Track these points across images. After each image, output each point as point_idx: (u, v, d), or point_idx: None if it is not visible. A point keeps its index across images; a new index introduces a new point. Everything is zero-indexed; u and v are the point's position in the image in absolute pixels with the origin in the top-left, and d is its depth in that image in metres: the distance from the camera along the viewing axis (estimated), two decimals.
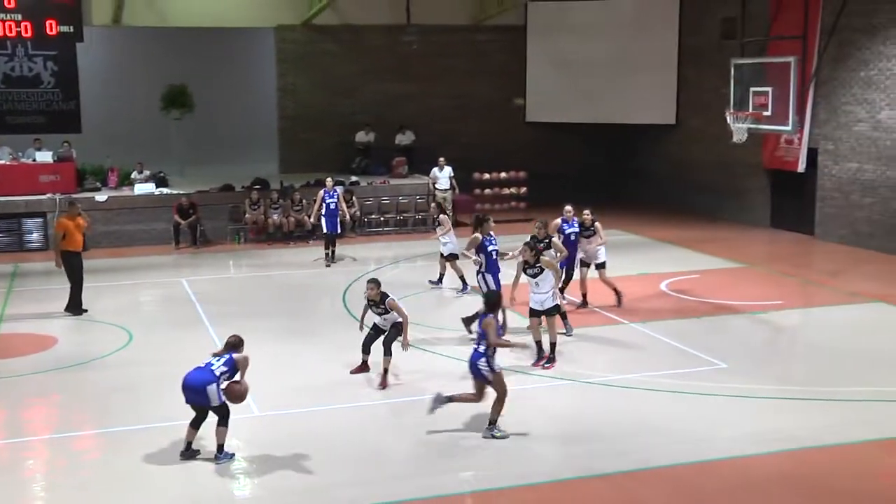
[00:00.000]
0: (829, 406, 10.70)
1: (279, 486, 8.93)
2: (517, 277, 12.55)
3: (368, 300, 11.67)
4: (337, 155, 26.23)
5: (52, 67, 23.86)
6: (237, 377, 9.55)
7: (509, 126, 27.75)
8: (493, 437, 9.88)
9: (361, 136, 25.84)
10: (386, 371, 11.53)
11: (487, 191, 24.52)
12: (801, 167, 21.34)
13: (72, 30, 21.62)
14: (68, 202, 16.08)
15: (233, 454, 9.50)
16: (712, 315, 14.84)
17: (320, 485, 8.91)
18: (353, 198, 22.54)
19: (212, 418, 9.46)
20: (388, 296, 11.54)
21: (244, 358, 9.63)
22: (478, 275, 13.87)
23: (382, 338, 11.64)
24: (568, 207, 14.89)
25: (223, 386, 9.46)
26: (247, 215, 21.76)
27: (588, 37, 26.81)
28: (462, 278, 16.30)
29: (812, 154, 21.16)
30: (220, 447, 9.43)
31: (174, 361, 11.54)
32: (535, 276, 12.04)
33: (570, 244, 14.61)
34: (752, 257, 19.38)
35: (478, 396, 10.07)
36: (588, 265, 15.02)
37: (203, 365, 9.51)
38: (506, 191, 24.61)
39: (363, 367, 11.99)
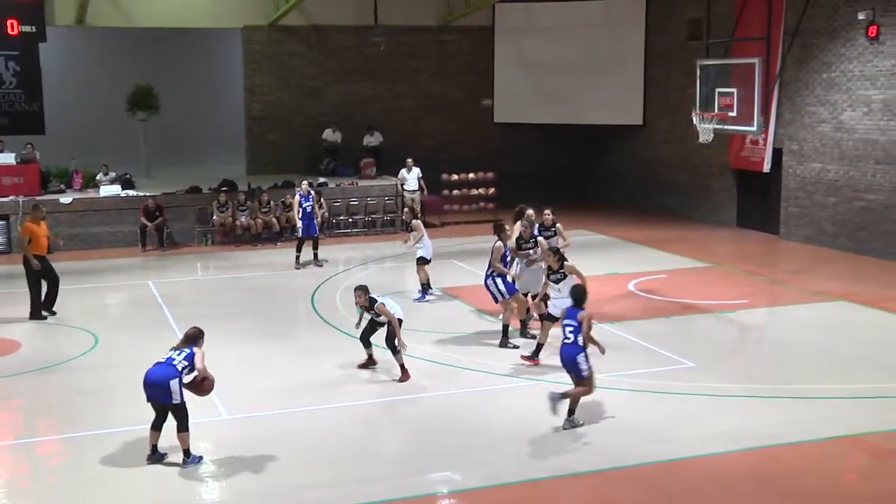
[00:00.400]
0: (796, 404, 10.80)
1: (248, 488, 8.85)
2: (545, 284, 12.41)
3: (360, 306, 11.77)
4: (305, 156, 26.13)
5: (13, 68, 23.48)
6: (196, 371, 9.38)
7: (477, 127, 27.78)
8: (573, 426, 10.00)
9: (328, 135, 25.74)
10: (402, 365, 11.63)
11: (456, 191, 24.52)
12: (766, 167, 21.55)
13: (34, 29, 21.36)
14: (32, 205, 15.89)
15: (201, 457, 9.41)
16: (680, 314, 14.93)
17: (289, 487, 8.85)
18: (322, 199, 22.47)
19: (171, 422, 9.28)
20: (377, 301, 11.66)
21: (201, 351, 9.53)
22: (488, 279, 13.54)
23: (384, 337, 11.74)
24: (547, 211, 14.64)
25: (188, 380, 9.34)
26: (214, 217, 21.60)
27: (556, 38, 26.91)
28: (425, 285, 16.09)
29: (777, 154, 21.38)
30: (186, 451, 9.31)
31: (141, 364, 11.36)
32: (557, 281, 12.12)
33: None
34: (719, 257, 19.54)
35: (588, 388, 10.17)
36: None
37: (163, 360, 9.38)
38: (474, 191, 24.62)
39: (370, 361, 12.15)
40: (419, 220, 16.56)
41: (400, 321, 11.74)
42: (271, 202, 21.88)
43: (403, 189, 23.26)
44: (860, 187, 19.29)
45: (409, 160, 23.23)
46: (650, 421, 10.33)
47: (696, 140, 18.57)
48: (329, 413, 10.75)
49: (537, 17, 27.15)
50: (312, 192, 19.29)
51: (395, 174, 23.61)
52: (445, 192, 24.44)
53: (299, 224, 18.90)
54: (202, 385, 9.52)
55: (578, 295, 10.45)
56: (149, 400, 9.30)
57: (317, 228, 19.23)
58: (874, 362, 12.31)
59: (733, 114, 17.31)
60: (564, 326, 10.28)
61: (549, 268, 12.26)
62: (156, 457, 9.34)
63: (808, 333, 13.74)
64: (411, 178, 23.15)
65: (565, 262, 12.21)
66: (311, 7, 25.44)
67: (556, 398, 9.94)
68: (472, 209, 24.45)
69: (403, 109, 27.25)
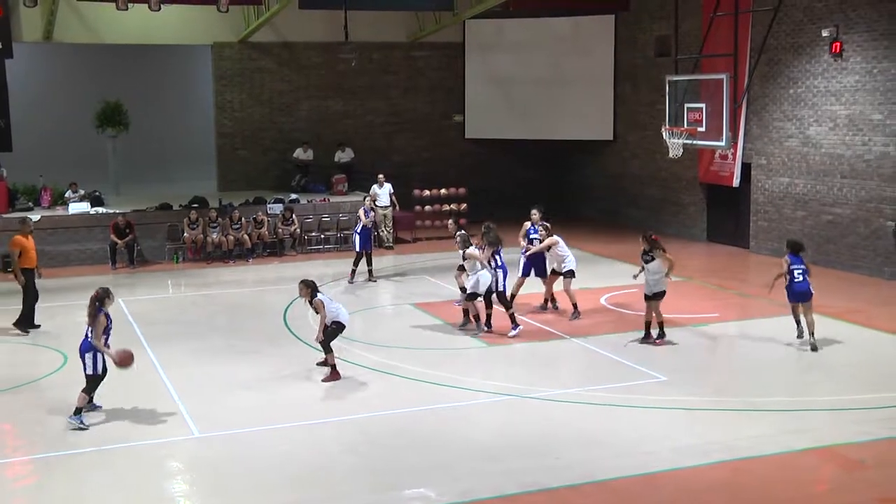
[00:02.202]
0: (766, 416, 10.90)
1: None
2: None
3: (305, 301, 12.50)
4: (276, 172, 26.09)
5: None
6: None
7: (449, 142, 27.88)
8: None
9: (300, 154, 25.72)
10: (326, 364, 12.36)
11: (428, 207, 24.55)
12: (735, 182, 21.78)
13: (0, 46, 21.14)
14: (20, 220, 16.15)
15: (85, 427, 10.49)
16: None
17: None
18: (294, 216, 22.43)
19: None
20: (317, 296, 12.32)
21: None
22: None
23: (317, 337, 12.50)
24: (534, 211, 15.82)
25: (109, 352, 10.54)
26: (185, 234, 21.48)
27: (526, 54, 27.09)
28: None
29: (746, 169, 21.62)
30: (78, 410, 10.57)
31: (111, 384, 11.30)
32: (647, 262, 13.99)
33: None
34: (689, 271, 19.68)
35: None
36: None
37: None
38: (446, 207, 24.66)
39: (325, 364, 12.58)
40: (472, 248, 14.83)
41: (342, 326, 12.41)
42: (242, 219, 21.80)
43: (375, 205, 23.24)
44: (827, 201, 19.55)
45: (381, 176, 23.25)
46: (623, 435, 10.38)
47: (665, 155, 18.75)
48: (303, 430, 10.69)
49: (507, 34, 27.33)
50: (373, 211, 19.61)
51: (367, 190, 23.61)
52: (417, 207, 24.47)
53: (357, 238, 18.89)
54: (118, 356, 10.84)
55: (797, 244, 14.11)
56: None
57: (370, 243, 19.23)
58: (843, 374, 12.46)
59: (702, 129, 17.47)
60: (794, 270, 13.59)
61: (643, 251, 14.09)
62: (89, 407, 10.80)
63: (779, 346, 13.87)
64: (383, 193, 23.16)
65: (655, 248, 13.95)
66: (281, 24, 25.44)
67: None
68: (444, 225, 24.45)
69: (374, 126, 27.29)
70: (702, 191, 23.40)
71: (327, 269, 20.52)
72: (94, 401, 11.01)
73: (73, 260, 21.01)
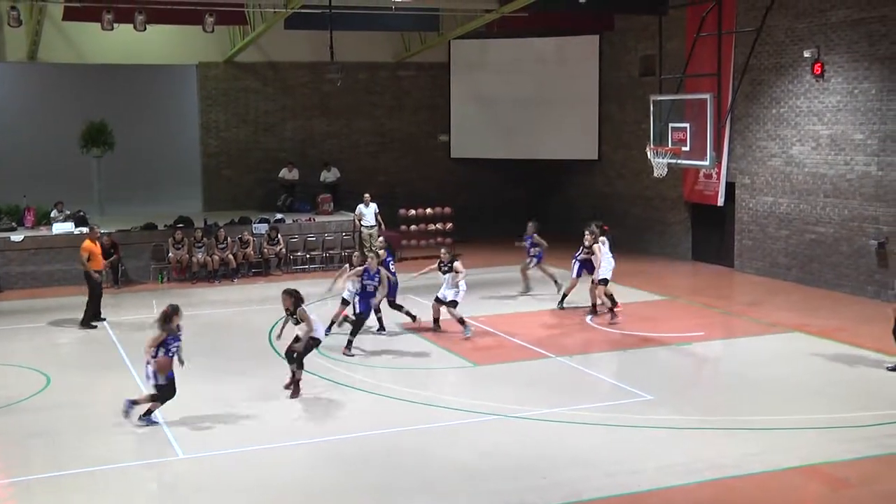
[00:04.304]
0: (752, 435, 10.92)
1: None
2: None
3: (286, 310, 12.53)
4: (261, 192, 26.06)
5: None
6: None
7: (434, 162, 27.95)
8: None
9: (285, 174, 25.72)
10: (295, 380, 12.44)
11: (413, 227, 24.56)
12: (720, 201, 21.89)
13: None
14: (89, 227, 18.49)
15: (156, 422, 11.05)
16: (637, 347, 15.05)
17: None
18: (279, 235, 22.40)
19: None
20: (301, 305, 12.43)
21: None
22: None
23: (289, 349, 12.57)
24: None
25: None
26: (170, 254, 21.42)
27: (511, 74, 27.22)
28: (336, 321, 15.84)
29: (730, 188, 21.74)
30: (149, 411, 11.25)
31: (94, 405, 11.25)
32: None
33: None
34: (675, 289, 19.75)
35: None
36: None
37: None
38: (431, 226, 24.67)
39: (293, 380, 12.57)
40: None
41: (318, 342, 12.49)
42: (228, 238, 21.75)
43: (361, 225, 23.27)
44: (810, 220, 19.68)
45: (367, 196, 23.26)
46: (609, 454, 10.37)
47: (650, 174, 18.84)
48: (288, 451, 10.64)
49: (492, 54, 27.46)
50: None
51: (353, 210, 23.62)
52: (403, 227, 24.47)
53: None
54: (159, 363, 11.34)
55: None
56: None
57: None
58: (828, 393, 12.50)
59: (686, 148, 17.56)
60: None
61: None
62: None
63: (764, 365, 13.92)
64: (369, 213, 23.17)
65: None
66: (267, 44, 25.50)
67: None
68: (430, 244, 24.47)
69: (360, 145, 27.34)
70: (686, 210, 23.51)
71: (313, 289, 20.40)
72: (153, 415, 11.37)
73: (57, 280, 20.89)
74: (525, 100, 27.11)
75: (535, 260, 19.10)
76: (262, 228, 22.69)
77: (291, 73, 26.57)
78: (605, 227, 17.73)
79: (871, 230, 18.28)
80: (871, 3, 17.95)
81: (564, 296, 17.87)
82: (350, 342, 14.67)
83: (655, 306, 18.20)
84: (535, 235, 19.11)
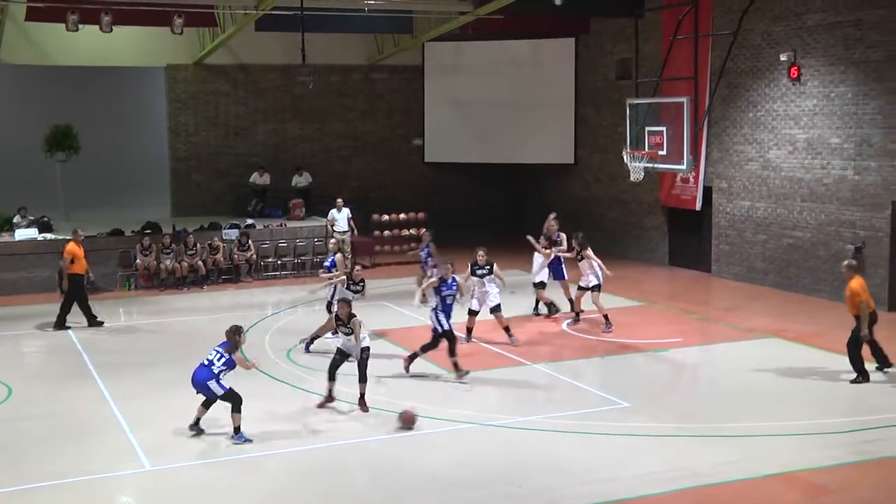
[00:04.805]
0: (730, 442, 10.98)
1: None
2: None
3: (337, 318, 12.31)
4: (232, 197, 25.96)
5: None
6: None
7: (408, 166, 27.94)
8: None
9: (256, 178, 25.61)
10: (363, 395, 12.16)
11: (387, 232, 24.52)
12: (697, 205, 22.03)
13: None
14: (73, 230, 18.26)
15: (250, 439, 10.93)
16: (614, 354, 15.10)
17: None
18: (250, 241, 22.30)
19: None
20: (355, 316, 12.21)
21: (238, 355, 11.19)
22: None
23: (357, 364, 12.19)
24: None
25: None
26: (137, 261, 21.25)
27: (485, 77, 27.27)
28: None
29: (707, 192, 21.88)
30: (237, 429, 11.02)
31: (58, 416, 11.12)
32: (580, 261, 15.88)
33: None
34: (652, 295, 19.84)
35: None
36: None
37: (206, 362, 11.05)
38: (405, 232, 24.65)
39: (329, 399, 12.30)
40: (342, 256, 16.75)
41: (368, 349, 12.36)
42: (197, 244, 21.61)
43: (333, 230, 23.20)
44: (788, 224, 19.84)
45: (339, 201, 23.19)
46: (586, 462, 10.39)
47: (627, 178, 18.93)
48: (259, 462, 10.58)
49: (467, 56, 27.51)
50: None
51: (325, 215, 23.55)
52: (376, 232, 24.43)
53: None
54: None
55: None
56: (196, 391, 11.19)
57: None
58: (806, 399, 12.59)
59: (663, 152, 17.67)
60: None
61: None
62: (197, 428, 11.18)
63: (741, 371, 14.00)
64: (341, 218, 23.10)
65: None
66: (237, 46, 25.40)
67: None
68: (404, 250, 24.45)
69: (333, 149, 27.28)
70: (663, 214, 23.64)
71: (284, 296, 20.39)
72: (201, 423, 11.33)
73: (21, 288, 20.64)
74: (500, 103, 27.17)
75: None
76: (233, 234, 22.57)
77: (262, 75, 26.48)
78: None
79: (848, 235, 18.46)
80: (847, 7, 18.15)
81: (551, 304, 17.62)
82: (456, 364, 13.49)
83: (632, 312, 18.27)
84: (432, 245, 18.32)
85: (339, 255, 16.76)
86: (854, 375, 13.23)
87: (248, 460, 10.61)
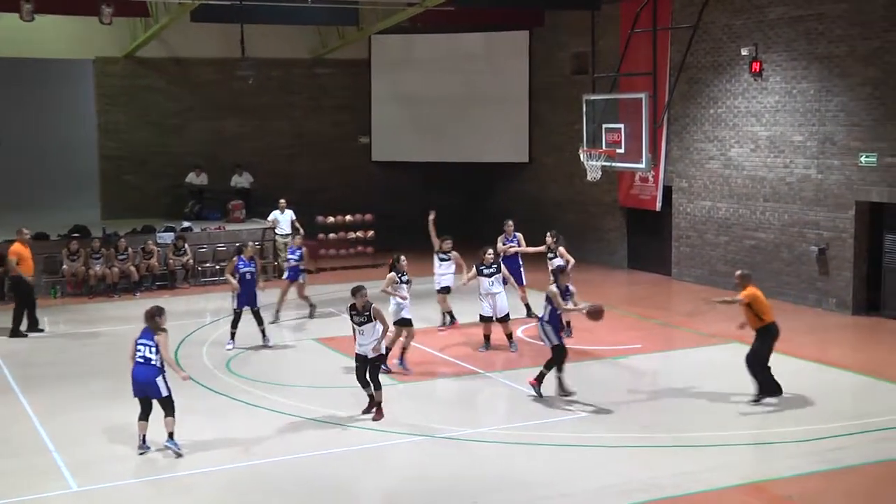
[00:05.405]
0: (692, 452, 11.08)
1: None
2: None
3: (353, 308, 12.25)
4: (167, 199, 25.68)
5: None
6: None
7: (354, 166, 27.86)
8: None
9: (192, 178, 25.36)
10: (380, 404, 12.24)
11: (332, 235, 24.44)
12: (657, 206, 22.25)
13: None
14: (17, 230, 18.08)
15: (181, 453, 10.92)
16: (571, 361, 15.11)
17: None
18: (186, 245, 22.08)
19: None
20: (372, 304, 12.26)
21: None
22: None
23: (369, 373, 12.26)
24: (509, 221, 17.62)
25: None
26: (64, 267, 20.95)
27: (436, 72, 27.30)
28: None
29: (667, 192, 22.11)
30: (171, 434, 11.01)
31: None
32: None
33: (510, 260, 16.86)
34: (610, 299, 19.93)
35: None
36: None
37: (142, 360, 11.01)
38: (352, 235, 24.58)
39: (373, 403, 12.37)
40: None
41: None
42: (129, 249, 21.37)
43: (276, 233, 23.05)
44: (750, 225, 20.13)
45: (282, 202, 23.07)
46: (543, 475, 10.42)
47: (584, 178, 19.04)
48: (195, 480, 10.47)
49: (415, 50, 27.51)
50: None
51: (266, 217, 23.39)
52: (321, 235, 24.32)
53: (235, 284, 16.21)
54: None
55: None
56: (136, 395, 11.07)
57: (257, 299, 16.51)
58: (769, 406, 12.74)
59: (621, 150, 17.77)
60: None
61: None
62: (146, 447, 11.03)
63: (703, 378, 14.15)
64: (284, 220, 22.97)
65: None
66: (172, 38, 25.14)
67: None
68: (350, 254, 24.38)
69: (274, 148, 27.11)
70: (622, 215, 23.84)
71: (224, 303, 20.18)
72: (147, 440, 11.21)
73: None
74: (451, 99, 27.21)
75: (303, 276, 18.53)
76: (168, 238, 22.34)
77: (199, 69, 26.24)
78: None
79: (811, 236, 18.77)
80: (809, 1, 18.47)
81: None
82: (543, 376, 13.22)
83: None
84: (304, 249, 18.60)
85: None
86: (756, 394, 12.84)
87: (183, 478, 10.49)
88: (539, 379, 13.09)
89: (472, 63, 27.17)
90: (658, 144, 21.11)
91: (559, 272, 13.57)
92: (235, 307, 16.10)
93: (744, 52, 19.73)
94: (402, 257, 14.56)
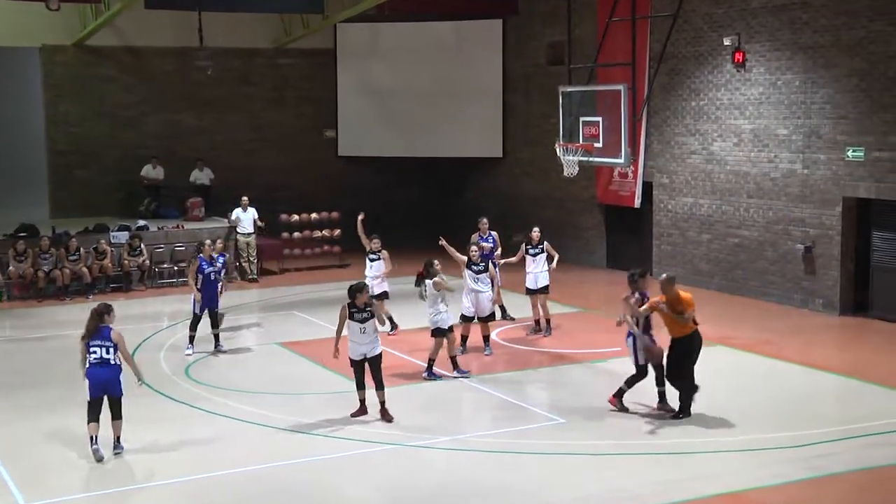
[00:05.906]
0: (675, 460, 11.13)
1: None
2: None
3: (352, 306, 12.28)
4: (121, 195, 25.53)
5: None
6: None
7: (320, 161, 27.79)
8: None
9: (148, 171, 25.17)
10: (384, 404, 12.40)
11: (297, 234, 24.37)
12: (637, 202, 22.34)
13: None
14: None
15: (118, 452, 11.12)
16: (548, 366, 15.22)
17: None
18: (142, 245, 21.94)
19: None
20: (373, 301, 12.70)
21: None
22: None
23: (371, 373, 12.41)
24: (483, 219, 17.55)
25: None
26: (10, 268, 20.78)
27: (405, 62, 27.27)
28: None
29: (647, 188, 22.21)
30: (118, 439, 11.16)
31: None
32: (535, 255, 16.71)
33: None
34: (588, 301, 20.05)
35: None
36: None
37: (99, 360, 11.05)
38: (317, 233, 24.52)
39: (363, 409, 12.51)
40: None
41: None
42: (81, 249, 21.22)
43: (237, 232, 22.96)
44: (733, 223, 20.26)
45: (244, 199, 23.00)
46: (519, 485, 10.43)
47: (560, 173, 19.09)
48: (154, 493, 10.40)
49: (383, 40, 27.48)
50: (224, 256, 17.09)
51: (228, 215, 23.29)
52: (285, 234, 24.25)
53: (198, 295, 16.06)
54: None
55: None
56: (97, 395, 11.10)
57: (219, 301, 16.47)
58: (753, 412, 12.83)
59: (599, 145, 17.83)
60: None
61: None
62: (120, 446, 11.20)
63: None
64: (246, 218, 22.90)
65: None
66: (125, 25, 24.97)
67: None
68: (315, 253, 24.31)
69: (236, 142, 26.98)
70: (601, 213, 23.93)
71: (183, 306, 20.04)
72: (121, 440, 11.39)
73: None
74: (421, 91, 27.20)
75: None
76: (122, 237, 22.20)
77: (154, 59, 26.07)
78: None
79: (797, 234, 18.92)
80: None
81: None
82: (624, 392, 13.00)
83: (568, 319, 18.43)
84: (227, 255, 18.71)
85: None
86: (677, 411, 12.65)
87: (138, 490, 10.42)
88: (619, 395, 12.85)
89: (442, 53, 27.18)
90: (637, 138, 21.16)
91: (638, 276, 13.38)
92: (196, 311, 16.00)
93: (726, 41, 19.86)
94: (436, 261, 14.45)
